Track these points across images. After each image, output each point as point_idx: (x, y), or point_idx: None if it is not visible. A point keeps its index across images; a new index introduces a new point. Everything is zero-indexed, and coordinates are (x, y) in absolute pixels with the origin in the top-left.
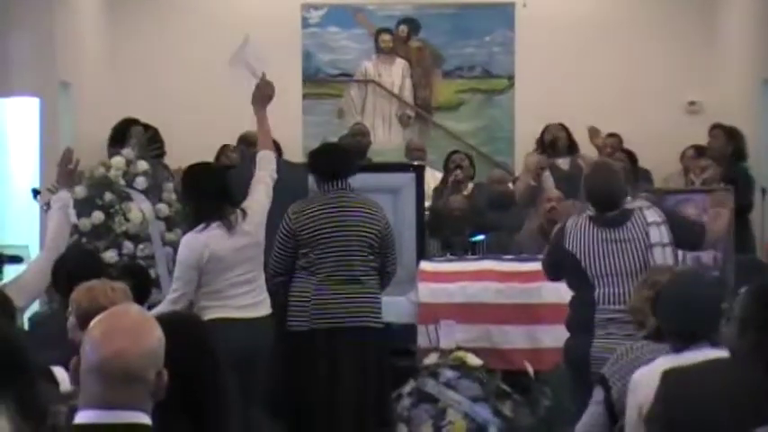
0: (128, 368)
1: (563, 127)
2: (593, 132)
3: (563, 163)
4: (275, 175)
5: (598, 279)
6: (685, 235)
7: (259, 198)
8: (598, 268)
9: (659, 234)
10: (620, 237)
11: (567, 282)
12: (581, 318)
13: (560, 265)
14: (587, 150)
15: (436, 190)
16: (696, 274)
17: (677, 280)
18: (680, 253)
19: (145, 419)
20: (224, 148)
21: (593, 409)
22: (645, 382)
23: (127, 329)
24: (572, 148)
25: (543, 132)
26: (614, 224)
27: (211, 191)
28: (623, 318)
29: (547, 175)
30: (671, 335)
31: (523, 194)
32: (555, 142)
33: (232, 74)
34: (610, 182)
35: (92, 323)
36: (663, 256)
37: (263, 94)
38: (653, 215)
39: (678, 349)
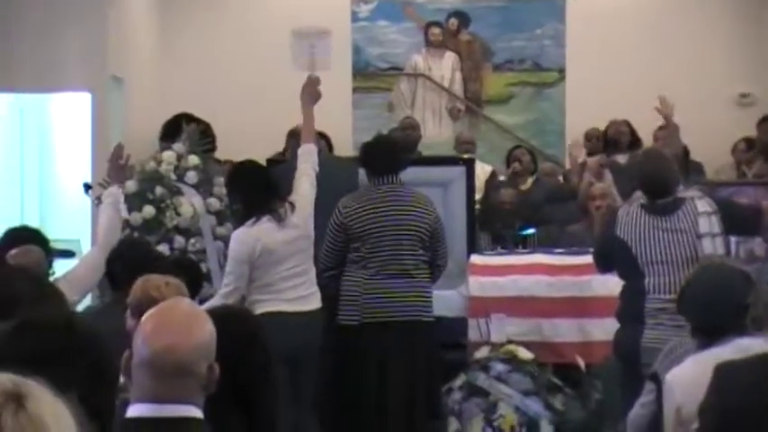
0: (179, 362)
1: (627, 123)
2: (663, 102)
3: (622, 158)
4: (317, 168)
5: (648, 267)
6: (740, 220)
7: (305, 190)
8: (648, 256)
9: (709, 224)
10: (671, 225)
11: (617, 271)
12: (631, 308)
13: (610, 256)
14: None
15: (489, 182)
16: (719, 267)
17: (698, 276)
18: (733, 244)
19: (197, 413)
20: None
21: (645, 403)
22: (678, 381)
23: (178, 323)
24: (634, 144)
25: (607, 128)
26: (665, 212)
27: (260, 186)
28: (674, 307)
29: (607, 172)
30: (695, 331)
31: (583, 194)
32: (617, 139)
33: (283, 67)
34: (661, 168)
35: (143, 317)
36: (712, 246)
37: (311, 93)
38: (704, 205)
39: (704, 345)
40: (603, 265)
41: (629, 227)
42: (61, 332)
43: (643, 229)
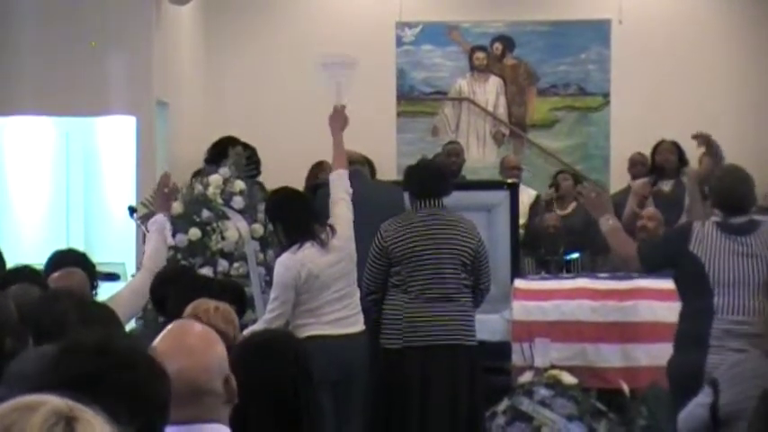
0: (193, 385)
1: (676, 148)
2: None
3: (666, 184)
4: (350, 190)
5: (719, 287)
6: None
7: (342, 213)
8: (721, 276)
9: None
10: (746, 248)
11: (679, 289)
12: (694, 330)
13: (670, 260)
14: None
15: (533, 207)
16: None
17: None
18: None
19: (224, 429)
20: (319, 164)
21: (700, 405)
22: None
23: (188, 348)
24: (682, 168)
25: (653, 152)
26: (741, 232)
27: (300, 212)
28: (739, 330)
29: (650, 201)
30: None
31: (627, 220)
32: (664, 166)
33: (328, 93)
34: (738, 185)
35: (156, 341)
36: None
37: (339, 120)
38: None
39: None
40: (653, 264)
41: (704, 244)
42: (96, 356)
43: (718, 247)
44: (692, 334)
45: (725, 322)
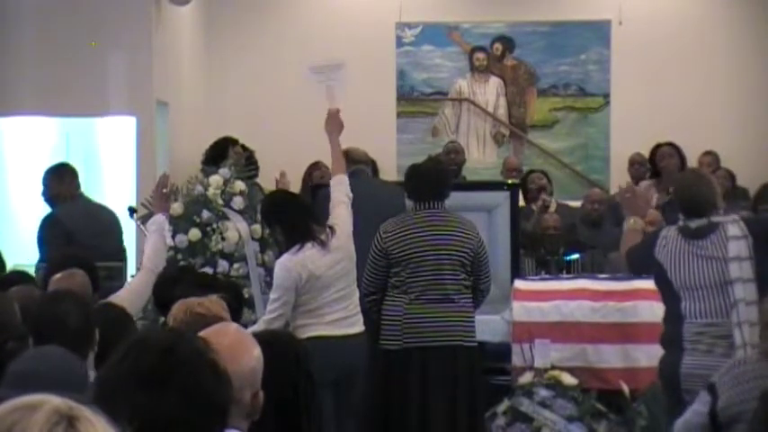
0: None
1: (675, 150)
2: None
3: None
4: (351, 194)
5: (684, 291)
6: None
7: (341, 214)
8: (683, 280)
9: (737, 248)
10: (704, 251)
11: (660, 294)
12: (672, 333)
13: (646, 265)
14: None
15: (521, 210)
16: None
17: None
18: None
19: None
20: (315, 164)
21: (697, 413)
22: None
23: (224, 350)
24: (682, 170)
25: (653, 156)
26: (698, 236)
27: (298, 213)
28: (711, 332)
29: (654, 198)
30: None
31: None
32: (665, 169)
33: (322, 94)
34: (695, 187)
35: None
36: (740, 270)
37: (335, 124)
38: (735, 230)
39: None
40: (637, 266)
41: (665, 250)
42: (164, 353)
43: (678, 252)
44: (670, 337)
45: (695, 326)
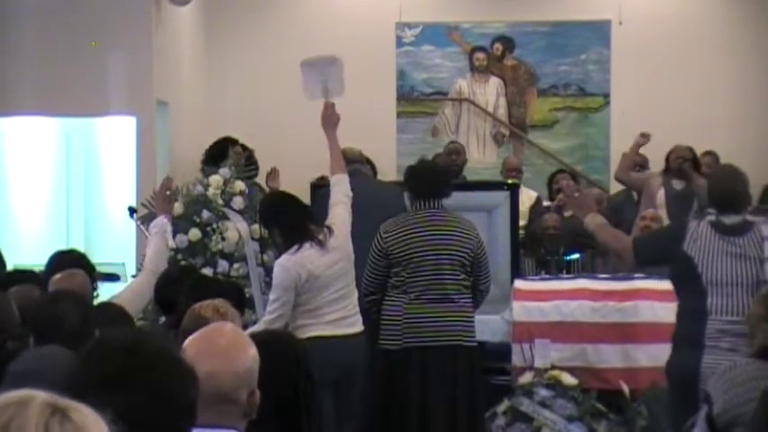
0: (220, 390)
1: (691, 151)
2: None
3: (678, 184)
4: (350, 194)
5: (712, 287)
6: None
7: (340, 213)
8: (713, 276)
9: None
10: (739, 249)
11: (674, 288)
12: (689, 330)
13: (663, 257)
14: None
15: (534, 208)
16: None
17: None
18: None
19: None
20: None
21: (697, 425)
22: None
23: (220, 350)
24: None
25: (669, 154)
26: (734, 233)
27: (296, 213)
28: (735, 329)
29: (661, 194)
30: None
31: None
32: (680, 169)
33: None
34: (732, 182)
35: (186, 342)
36: None
37: (330, 119)
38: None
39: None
40: (648, 259)
41: (697, 244)
42: (125, 356)
43: (711, 248)
44: (687, 334)
45: (719, 322)
